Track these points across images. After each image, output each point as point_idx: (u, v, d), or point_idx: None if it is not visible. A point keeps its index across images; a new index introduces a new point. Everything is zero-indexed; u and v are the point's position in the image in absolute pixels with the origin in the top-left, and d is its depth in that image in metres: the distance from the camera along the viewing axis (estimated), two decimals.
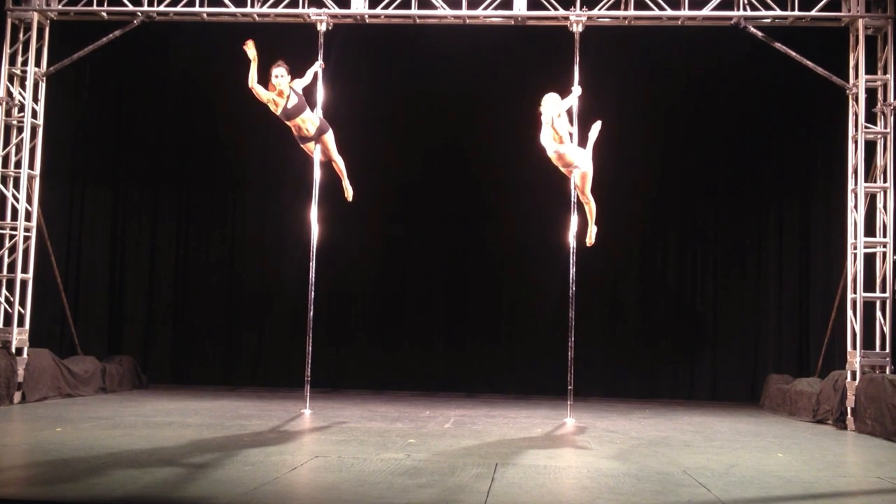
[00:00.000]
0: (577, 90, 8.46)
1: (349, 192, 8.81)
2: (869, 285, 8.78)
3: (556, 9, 9.15)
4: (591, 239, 8.46)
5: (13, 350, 9.06)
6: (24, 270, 9.36)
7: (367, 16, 9.32)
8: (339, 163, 8.67)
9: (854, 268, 8.84)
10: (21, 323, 9.23)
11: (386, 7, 9.26)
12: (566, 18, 9.06)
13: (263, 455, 5.86)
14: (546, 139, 7.99)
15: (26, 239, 9.42)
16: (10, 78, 9.45)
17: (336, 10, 9.24)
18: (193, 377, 11.97)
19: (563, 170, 8.21)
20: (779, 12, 9.08)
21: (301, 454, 6.05)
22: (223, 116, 12.12)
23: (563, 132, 7.94)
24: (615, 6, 9.18)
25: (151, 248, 12.43)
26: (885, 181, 8.88)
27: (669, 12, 9.13)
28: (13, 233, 9.32)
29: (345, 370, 11.88)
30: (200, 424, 7.46)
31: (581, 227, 8.55)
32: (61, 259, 10.77)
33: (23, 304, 9.29)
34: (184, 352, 12.29)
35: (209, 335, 12.31)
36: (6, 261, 9.32)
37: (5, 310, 9.23)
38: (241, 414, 8.43)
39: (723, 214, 12.00)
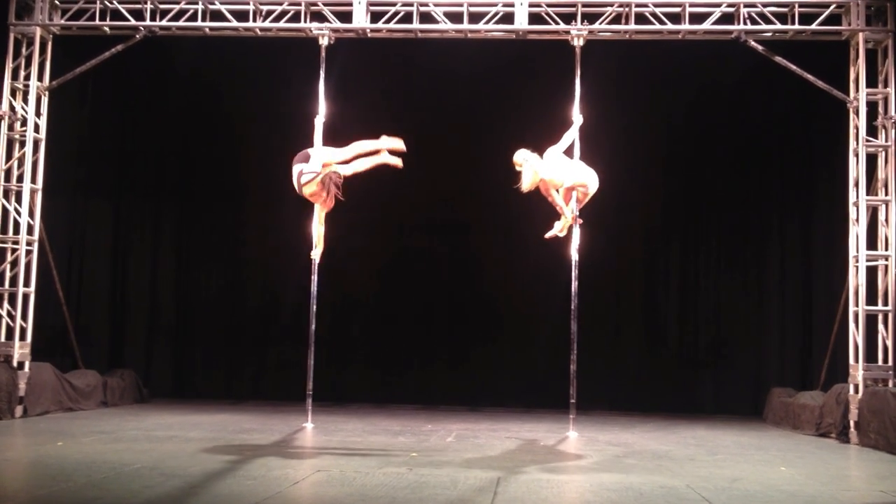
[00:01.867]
0: (578, 119, 8.41)
1: (397, 161, 8.08)
2: (871, 298, 8.76)
3: (557, 23, 9.18)
4: (561, 228, 8.25)
5: (15, 364, 9.05)
6: (26, 284, 9.37)
7: (368, 30, 9.35)
8: (357, 148, 7.96)
9: (856, 281, 8.83)
10: (23, 337, 9.23)
11: (388, 21, 9.29)
12: (567, 33, 9.10)
13: (265, 469, 5.85)
14: (557, 173, 7.92)
15: (28, 253, 9.42)
16: (13, 92, 9.47)
17: (338, 25, 9.27)
18: (195, 391, 11.95)
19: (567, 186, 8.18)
20: (779, 26, 9.11)
21: (303, 468, 6.04)
22: (226, 129, 12.15)
23: (565, 168, 7.95)
24: (616, 20, 9.21)
25: (153, 262, 12.42)
26: (886, 194, 8.87)
27: (670, 26, 9.16)
28: (15, 247, 9.33)
29: (346, 384, 11.85)
30: (202, 438, 7.45)
31: (556, 221, 8.42)
32: (63, 273, 10.76)
33: (24, 317, 9.29)
34: (186, 365, 12.27)
35: (211, 349, 12.29)
36: (8, 275, 9.32)
37: (7, 324, 9.23)
38: (242, 428, 8.42)
39: (724, 227, 11.99)
